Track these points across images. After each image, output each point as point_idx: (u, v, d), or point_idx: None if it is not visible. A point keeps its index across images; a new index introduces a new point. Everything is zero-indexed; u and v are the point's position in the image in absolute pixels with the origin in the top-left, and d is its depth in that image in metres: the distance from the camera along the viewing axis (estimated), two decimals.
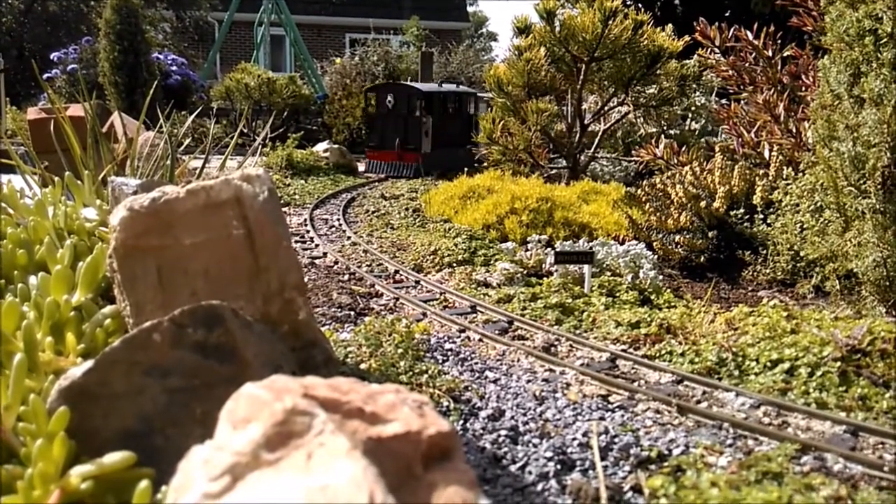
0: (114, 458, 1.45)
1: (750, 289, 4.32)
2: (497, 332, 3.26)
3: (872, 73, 3.27)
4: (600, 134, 7.46)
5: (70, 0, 21.42)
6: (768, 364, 2.77)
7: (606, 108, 7.43)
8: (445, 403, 2.42)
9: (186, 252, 1.95)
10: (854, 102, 3.41)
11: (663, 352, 3.01)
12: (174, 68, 13.16)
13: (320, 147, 9.96)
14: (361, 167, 9.74)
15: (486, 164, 7.50)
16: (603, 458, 2.12)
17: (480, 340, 3.17)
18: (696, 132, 8.09)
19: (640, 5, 12.38)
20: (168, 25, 21.19)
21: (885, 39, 3.20)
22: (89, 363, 1.58)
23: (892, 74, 3.18)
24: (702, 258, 4.63)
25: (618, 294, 3.75)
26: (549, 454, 2.11)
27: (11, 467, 1.45)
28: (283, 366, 1.80)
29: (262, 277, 1.98)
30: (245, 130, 11.73)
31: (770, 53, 5.63)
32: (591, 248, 4.33)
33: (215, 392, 1.56)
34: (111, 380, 1.57)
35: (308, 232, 5.63)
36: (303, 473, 1.11)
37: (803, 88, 5.35)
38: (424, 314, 3.51)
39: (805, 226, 4.15)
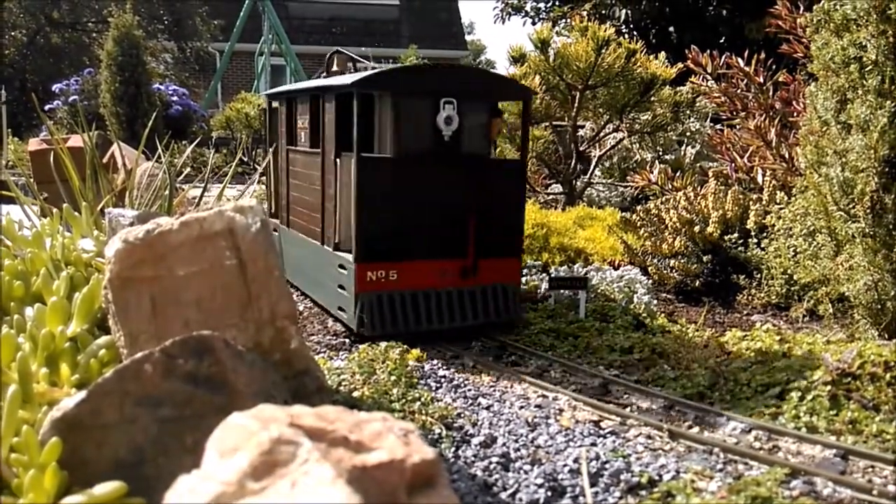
0: (105, 488, 1.47)
1: (745, 313, 4.34)
2: (490, 358, 3.28)
3: (858, 100, 3.32)
4: (596, 160, 7.53)
5: (72, 32, 21.70)
6: (759, 388, 2.79)
7: (602, 135, 7.50)
8: (437, 431, 2.44)
9: (179, 282, 1.98)
10: (841, 128, 3.46)
11: (656, 377, 3.02)
12: (175, 98, 13.30)
13: None
14: None
15: None
16: (593, 485, 2.13)
17: (474, 367, 3.19)
18: (692, 158, 8.16)
19: (634, 33, 12.53)
20: (169, 56, 21.44)
21: (869, 67, 3.25)
22: (82, 394, 1.60)
23: (877, 101, 3.23)
24: (696, 283, 4.66)
25: (612, 319, 3.77)
26: (539, 481, 2.12)
27: (3, 498, 1.47)
28: (275, 395, 1.82)
29: (253, 306, 2.01)
30: (245, 159, 11.82)
31: (761, 80, 5.71)
32: (585, 273, 4.36)
33: (206, 421, 1.58)
34: (103, 410, 1.60)
35: None
36: (288, 502, 1.13)
37: (795, 114, 5.41)
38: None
39: (798, 250, 4.18)
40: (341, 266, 3.48)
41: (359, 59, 4.36)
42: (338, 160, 3.51)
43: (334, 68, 4.20)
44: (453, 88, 3.40)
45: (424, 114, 3.37)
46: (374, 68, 3.81)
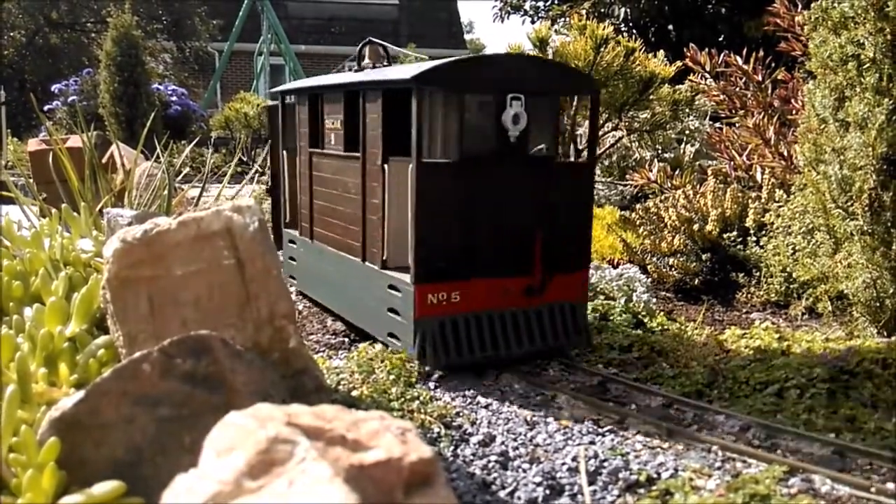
0: (103, 487, 1.47)
1: (744, 311, 4.35)
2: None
3: (856, 98, 3.32)
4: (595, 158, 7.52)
5: (71, 32, 21.71)
6: (758, 386, 2.79)
7: (601, 133, 7.50)
8: (436, 429, 2.44)
9: (178, 282, 1.98)
10: (839, 126, 3.46)
11: (655, 375, 3.03)
12: (174, 98, 13.31)
13: None
14: None
15: None
16: (592, 483, 2.14)
17: (473, 364, 3.19)
18: (691, 156, 8.16)
19: (633, 31, 12.54)
20: (168, 56, 21.44)
21: (867, 64, 3.26)
22: (80, 394, 1.60)
23: (875, 98, 3.24)
24: (696, 281, 4.66)
25: (611, 318, 3.77)
26: (538, 479, 2.13)
27: (2, 498, 1.47)
28: (273, 394, 1.83)
29: (252, 306, 2.01)
30: (244, 159, 11.82)
31: (760, 78, 5.71)
32: None
33: (204, 421, 1.58)
34: (101, 410, 1.60)
35: None
36: (285, 501, 1.13)
37: (793, 112, 5.41)
38: None
39: (797, 248, 4.18)
40: (392, 287, 3.07)
41: (397, 49, 3.90)
42: (385, 166, 3.08)
43: (366, 61, 3.68)
44: (520, 82, 3.00)
45: (489, 112, 3.00)
46: (416, 59, 3.46)
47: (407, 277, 2.95)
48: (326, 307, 3.89)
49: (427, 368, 2.93)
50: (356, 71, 3.58)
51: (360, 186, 3.29)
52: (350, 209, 3.43)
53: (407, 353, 2.94)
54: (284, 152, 4.23)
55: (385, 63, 3.67)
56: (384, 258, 3.16)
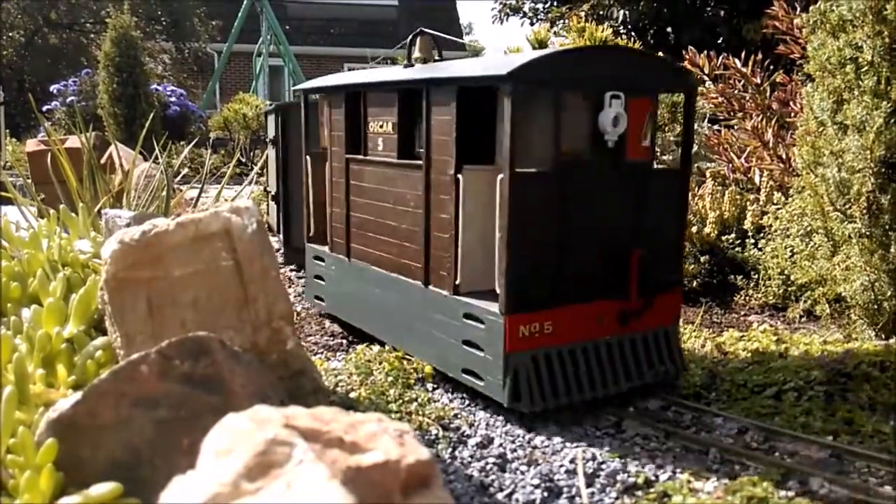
0: (101, 489, 1.47)
1: (742, 313, 4.35)
2: None
3: (854, 101, 3.33)
4: None
5: (70, 33, 21.70)
6: (756, 388, 2.79)
7: None
8: (434, 431, 2.44)
9: (176, 283, 1.98)
10: (838, 129, 3.46)
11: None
12: (173, 99, 13.31)
13: None
14: None
15: None
16: (590, 485, 2.14)
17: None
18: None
19: (632, 34, 12.55)
20: (167, 57, 21.44)
21: (865, 67, 3.26)
22: (78, 395, 1.60)
23: (873, 101, 3.24)
24: (694, 283, 4.67)
25: None
26: (536, 481, 2.13)
27: (0, 499, 1.47)
28: (271, 395, 1.82)
29: (250, 307, 2.02)
30: (243, 160, 11.82)
31: (758, 80, 5.71)
32: None
33: (202, 422, 1.58)
34: (99, 411, 1.60)
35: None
36: (282, 502, 1.13)
37: (792, 115, 5.42)
38: None
39: (795, 250, 4.19)
40: (471, 317, 2.67)
41: (448, 37, 3.39)
42: (459, 176, 2.68)
43: (417, 54, 3.19)
44: (619, 79, 2.66)
45: (585, 113, 2.64)
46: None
47: (492, 306, 2.56)
48: (370, 334, 3.37)
49: (522, 409, 2.53)
50: (406, 66, 3.17)
51: (421, 199, 2.88)
52: (406, 224, 3.03)
53: (491, 393, 2.59)
54: (308, 158, 3.81)
55: (437, 58, 3.22)
56: (456, 282, 2.75)
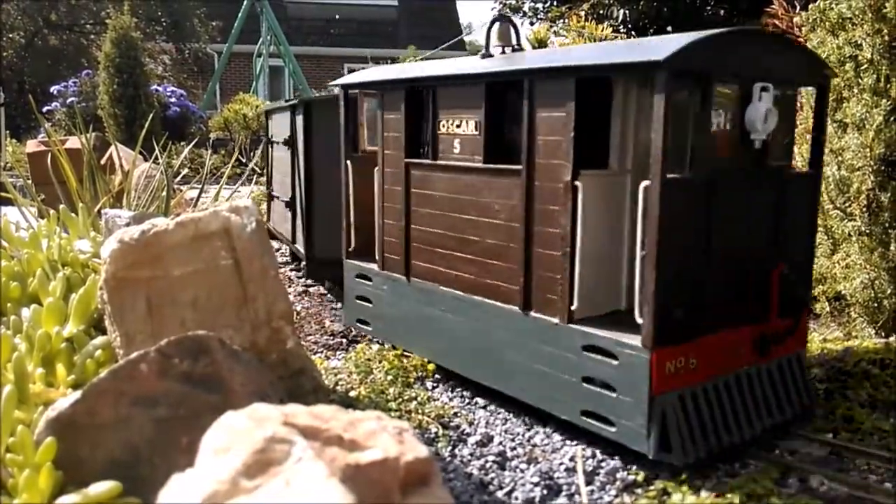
0: (100, 487, 1.47)
1: None
2: None
3: (854, 99, 3.33)
4: None
5: (70, 34, 21.71)
6: None
7: None
8: (434, 430, 2.44)
9: (175, 283, 1.98)
10: (837, 127, 3.46)
11: None
12: (173, 100, 13.31)
13: None
14: None
15: None
16: (589, 483, 2.14)
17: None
18: None
19: (632, 33, 12.55)
20: (168, 57, 21.44)
21: (865, 65, 3.26)
22: (77, 394, 1.60)
23: (872, 99, 3.24)
24: None
25: None
26: (535, 479, 2.13)
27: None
28: (271, 394, 1.83)
29: (249, 307, 2.02)
30: (243, 160, 11.83)
31: None
32: None
33: (201, 421, 1.58)
34: (99, 410, 1.60)
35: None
36: (281, 500, 1.13)
37: None
38: None
39: None
40: (596, 350, 2.29)
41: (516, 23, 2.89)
42: (577, 183, 2.33)
43: (495, 43, 2.83)
44: (767, 69, 2.32)
45: (732, 108, 2.32)
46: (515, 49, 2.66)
47: (628, 338, 2.21)
48: (443, 366, 2.95)
49: (675, 461, 2.15)
50: (484, 56, 2.81)
51: (518, 210, 2.52)
52: (495, 240, 2.64)
53: (627, 441, 2.20)
54: (349, 163, 3.40)
55: (515, 47, 2.84)
56: (571, 308, 2.37)
